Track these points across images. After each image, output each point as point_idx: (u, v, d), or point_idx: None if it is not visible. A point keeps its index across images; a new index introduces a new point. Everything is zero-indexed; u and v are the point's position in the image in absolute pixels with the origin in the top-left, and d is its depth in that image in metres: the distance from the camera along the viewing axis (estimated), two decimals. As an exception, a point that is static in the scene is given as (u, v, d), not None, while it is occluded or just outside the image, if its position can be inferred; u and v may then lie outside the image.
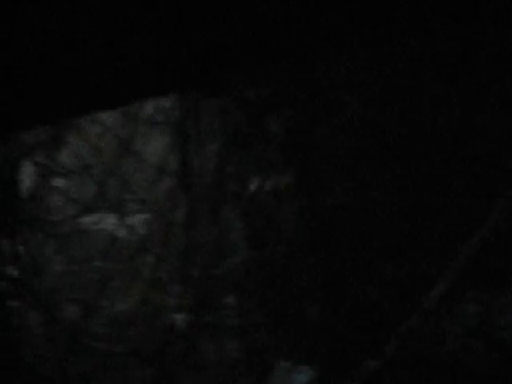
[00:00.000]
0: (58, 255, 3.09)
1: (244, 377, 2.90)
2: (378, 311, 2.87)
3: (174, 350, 2.93)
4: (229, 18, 1.51)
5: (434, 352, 2.76)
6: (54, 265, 3.09)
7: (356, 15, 1.53)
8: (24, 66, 1.51)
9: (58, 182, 3.21)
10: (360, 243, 2.94)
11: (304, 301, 2.94)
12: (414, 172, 2.94)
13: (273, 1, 1.48)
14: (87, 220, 3.14)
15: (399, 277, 2.88)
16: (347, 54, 2.80)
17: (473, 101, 2.82)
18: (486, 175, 2.83)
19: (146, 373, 2.91)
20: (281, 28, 1.52)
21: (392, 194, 2.94)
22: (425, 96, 2.85)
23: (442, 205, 2.90)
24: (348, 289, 2.92)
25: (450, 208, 2.89)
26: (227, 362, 2.93)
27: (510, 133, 2.79)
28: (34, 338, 2.94)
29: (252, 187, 2.97)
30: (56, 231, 3.11)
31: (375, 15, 1.53)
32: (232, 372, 2.92)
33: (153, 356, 2.92)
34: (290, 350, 2.90)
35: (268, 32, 1.54)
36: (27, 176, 3.07)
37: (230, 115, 3.01)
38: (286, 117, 2.96)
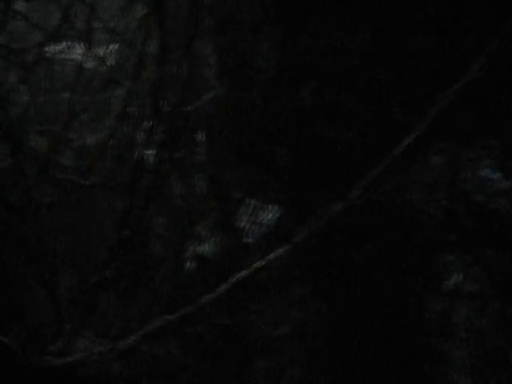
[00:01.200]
0: (23, 85, 2.99)
1: (212, 213, 2.94)
2: (348, 155, 2.89)
3: (143, 185, 2.93)
4: None
5: (398, 199, 2.82)
6: (19, 95, 2.99)
7: None
8: None
9: (21, 6, 3.05)
10: (334, 87, 2.90)
11: (274, 141, 2.94)
12: (390, 11, 2.87)
13: None
14: (53, 49, 3.01)
15: (372, 122, 2.89)
16: None
17: None
18: (468, 29, 2.78)
19: (115, 206, 2.92)
20: None
21: (367, 35, 2.88)
22: None
23: (418, 49, 2.86)
24: (319, 131, 2.92)
25: (427, 54, 2.86)
26: (196, 197, 2.95)
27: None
28: (1, 170, 2.90)
29: (229, 25, 2.88)
30: (19, 59, 2.99)
31: None
32: (200, 208, 2.95)
33: (122, 190, 2.92)
34: (257, 188, 2.93)
35: None
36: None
37: None
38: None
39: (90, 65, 3.00)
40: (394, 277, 2.79)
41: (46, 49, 3.04)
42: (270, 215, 2.89)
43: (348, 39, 2.85)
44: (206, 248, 2.89)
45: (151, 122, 2.95)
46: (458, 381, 2.67)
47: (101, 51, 3.00)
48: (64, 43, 3.03)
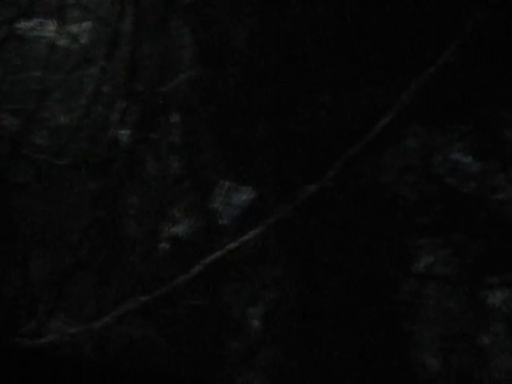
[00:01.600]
0: (-6, 61, 2.94)
1: (186, 194, 2.94)
2: (323, 137, 2.91)
3: (117, 165, 2.91)
4: None
5: (371, 182, 2.85)
6: (-9, 72, 2.94)
7: None
8: None
9: (-9, -20, 2.98)
10: (310, 68, 2.91)
11: (249, 123, 2.94)
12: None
13: None
14: (24, 25, 2.96)
15: (346, 104, 2.90)
16: None
17: None
18: (442, 12, 2.80)
19: (89, 186, 2.91)
20: None
21: (344, 17, 2.88)
22: None
23: (392, 33, 2.87)
24: (294, 113, 2.93)
25: (401, 38, 2.87)
26: (170, 179, 2.95)
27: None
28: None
29: (205, 4, 2.85)
30: (-10, 35, 2.93)
31: None
32: (175, 189, 2.95)
33: (96, 170, 2.90)
34: (232, 169, 2.93)
35: None
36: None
37: None
38: None
39: (62, 42, 2.96)
40: (365, 259, 2.83)
41: (17, 25, 2.99)
42: (244, 197, 2.90)
43: (326, 18, 2.85)
44: (180, 229, 2.90)
45: (125, 102, 2.93)
46: (426, 362, 2.73)
47: (74, 29, 2.96)
48: (36, 20, 2.98)
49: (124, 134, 2.89)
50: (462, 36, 2.78)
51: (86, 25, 2.92)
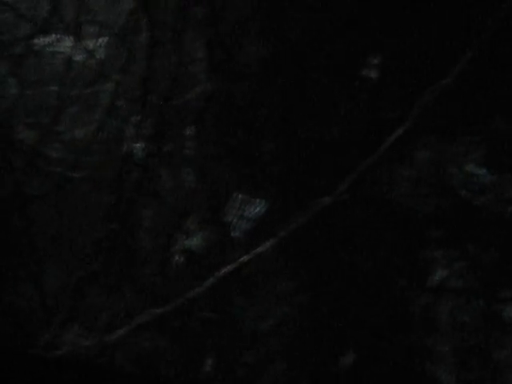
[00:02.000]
0: (11, 78, 2.99)
1: (200, 207, 2.95)
2: (336, 150, 2.90)
3: (131, 179, 2.94)
4: None
5: (384, 195, 2.84)
6: (8, 88, 2.99)
7: None
8: None
9: (9, -2, 3.04)
10: (321, 82, 2.91)
11: (262, 135, 2.95)
12: (378, 5, 2.88)
13: None
14: (41, 41, 3.01)
15: (359, 117, 2.90)
16: None
17: None
18: (455, 23, 2.79)
19: (104, 200, 2.93)
20: None
21: (354, 30, 2.89)
22: None
23: (404, 45, 2.87)
24: (307, 125, 2.93)
25: (413, 50, 2.87)
26: (184, 191, 2.97)
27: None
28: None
29: (218, 18, 2.88)
30: (8, 52, 2.98)
31: None
32: (188, 201, 2.96)
33: (110, 183, 2.93)
34: (245, 182, 2.94)
35: None
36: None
37: None
38: None
39: (79, 58, 3.01)
40: (380, 272, 2.81)
41: (35, 41, 3.04)
42: (257, 209, 2.91)
43: (337, 33, 2.86)
44: (194, 242, 2.91)
45: (140, 116, 2.96)
46: (441, 376, 2.70)
47: (90, 44, 3.00)
48: (53, 35, 3.03)
49: (138, 147, 2.92)
50: (475, 47, 2.76)
51: (102, 40, 2.97)
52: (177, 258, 2.93)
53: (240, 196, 2.93)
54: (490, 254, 2.77)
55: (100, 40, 3.00)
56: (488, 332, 2.70)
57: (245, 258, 2.87)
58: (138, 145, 2.95)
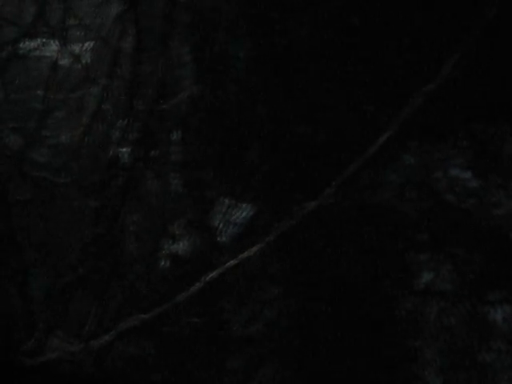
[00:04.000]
0: (-3, 81, 2.97)
1: (186, 212, 2.95)
2: (322, 154, 2.91)
3: (117, 183, 2.92)
4: None
5: (371, 198, 2.85)
6: (-7, 91, 2.97)
7: None
8: None
9: (-6, 3, 3.03)
10: (308, 87, 2.92)
11: (248, 140, 2.95)
12: (366, 10, 2.89)
13: None
14: (27, 45, 2.99)
15: (345, 122, 2.91)
16: None
17: None
18: (441, 29, 2.82)
19: (90, 204, 2.91)
20: None
21: (341, 34, 2.90)
22: None
23: (392, 49, 2.89)
24: (293, 130, 2.94)
25: (400, 55, 2.89)
26: (171, 196, 2.96)
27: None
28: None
29: (204, 23, 2.88)
30: (-7, 56, 2.97)
31: None
32: (175, 206, 2.95)
33: (96, 188, 2.91)
34: (231, 187, 2.94)
35: None
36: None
37: None
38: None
39: (65, 62, 2.99)
40: (366, 275, 2.82)
41: (21, 45, 3.02)
42: (244, 214, 2.90)
43: (323, 37, 2.87)
44: (180, 247, 2.90)
45: (126, 120, 2.95)
46: (428, 378, 2.71)
47: (76, 48, 2.99)
48: (39, 40, 3.01)
49: (125, 151, 2.91)
50: (460, 53, 2.79)
51: (88, 44, 2.96)
52: (163, 262, 2.92)
53: (226, 201, 2.93)
54: (476, 257, 2.79)
55: (86, 44, 2.99)
56: (474, 334, 2.71)
57: (231, 263, 2.86)
58: (124, 149, 2.94)
